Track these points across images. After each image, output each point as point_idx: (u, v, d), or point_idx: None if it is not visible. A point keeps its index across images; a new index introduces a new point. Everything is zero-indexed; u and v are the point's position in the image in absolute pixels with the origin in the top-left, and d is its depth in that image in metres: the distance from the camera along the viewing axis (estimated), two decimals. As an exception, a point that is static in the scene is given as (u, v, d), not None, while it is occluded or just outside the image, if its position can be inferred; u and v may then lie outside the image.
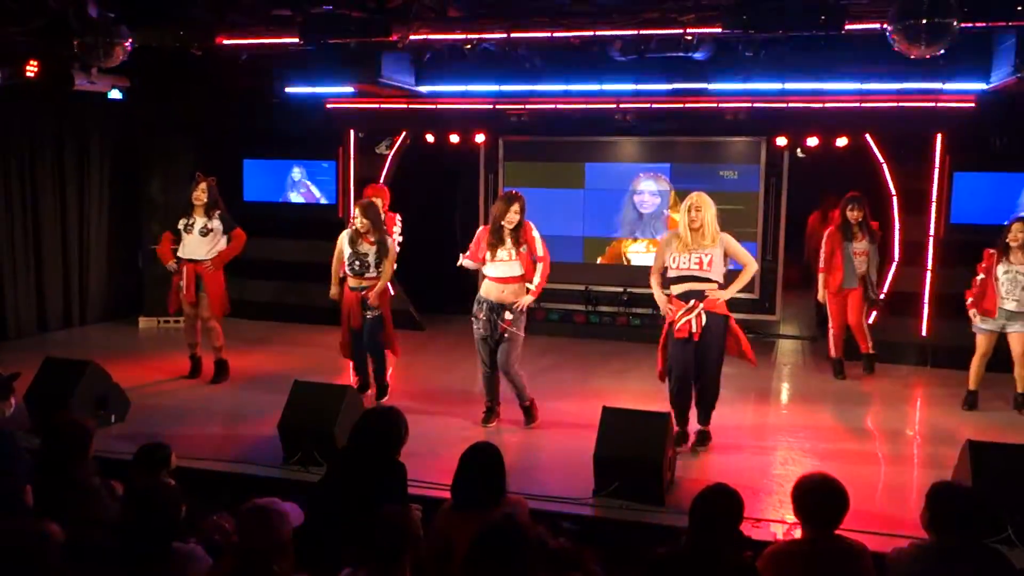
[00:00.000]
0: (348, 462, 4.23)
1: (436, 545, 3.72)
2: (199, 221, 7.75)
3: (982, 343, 7.17)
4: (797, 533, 3.88)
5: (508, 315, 6.46)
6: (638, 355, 8.73)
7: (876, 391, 8.00)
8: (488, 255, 6.51)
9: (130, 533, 3.34)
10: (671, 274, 6.10)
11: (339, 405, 5.84)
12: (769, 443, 6.51)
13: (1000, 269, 6.95)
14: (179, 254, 7.80)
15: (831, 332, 8.36)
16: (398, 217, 8.65)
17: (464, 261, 6.64)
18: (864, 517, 4.87)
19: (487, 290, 6.54)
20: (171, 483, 4.06)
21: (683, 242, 6.02)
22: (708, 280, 6.00)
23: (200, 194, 7.75)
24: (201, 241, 7.75)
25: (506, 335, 6.48)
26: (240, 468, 5.75)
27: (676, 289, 6.07)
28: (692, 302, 5.97)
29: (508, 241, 6.48)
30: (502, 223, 6.46)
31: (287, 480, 5.50)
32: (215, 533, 3.89)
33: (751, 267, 6.24)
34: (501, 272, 6.49)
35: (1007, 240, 6.94)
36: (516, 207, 6.44)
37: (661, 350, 6.23)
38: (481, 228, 6.74)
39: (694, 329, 5.95)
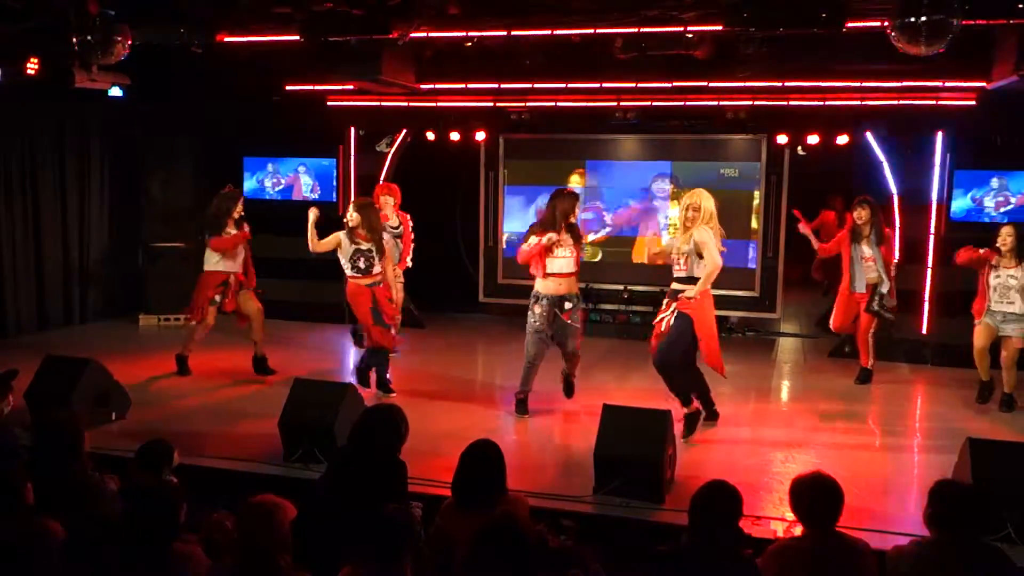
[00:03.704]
0: (349, 460, 4.23)
1: (436, 543, 3.73)
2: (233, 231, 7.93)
3: (979, 334, 7.17)
4: (797, 531, 3.88)
5: (568, 305, 6.77)
6: (638, 353, 8.72)
7: (876, 389, 7.99)
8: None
9: (130, 533, 3.34)
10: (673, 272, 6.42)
11: (339, 403, 5.84)
12: (769, 440, 6.51)
13: (991, 276, 7.03)
14: (221, 268, 7.88)
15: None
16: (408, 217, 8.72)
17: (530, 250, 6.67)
18: (864, 515, 4.88)
19: (545, 286, 6.74)
20: (173, 481, 4.07)
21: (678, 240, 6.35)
22: (688, 279, 6.25)
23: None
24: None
25: (570, 323, 6.81)
26: (241, 466, 5.75)
27: (673, 286, 6.41)
28: (667, 301, 6.42)
29: (569, 237, 6.71)
30: (571, 219, 6.74)
31: (288, 478, 5.50)
32: (215, 531, 3.89)
33: (709, 266, 6.17)
34: (561, 268, 6.71)
35: (997, 244, 7.00)
36: (578, 203, 6.88)
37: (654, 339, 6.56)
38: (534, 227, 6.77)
39: (663, 329, 6.36)
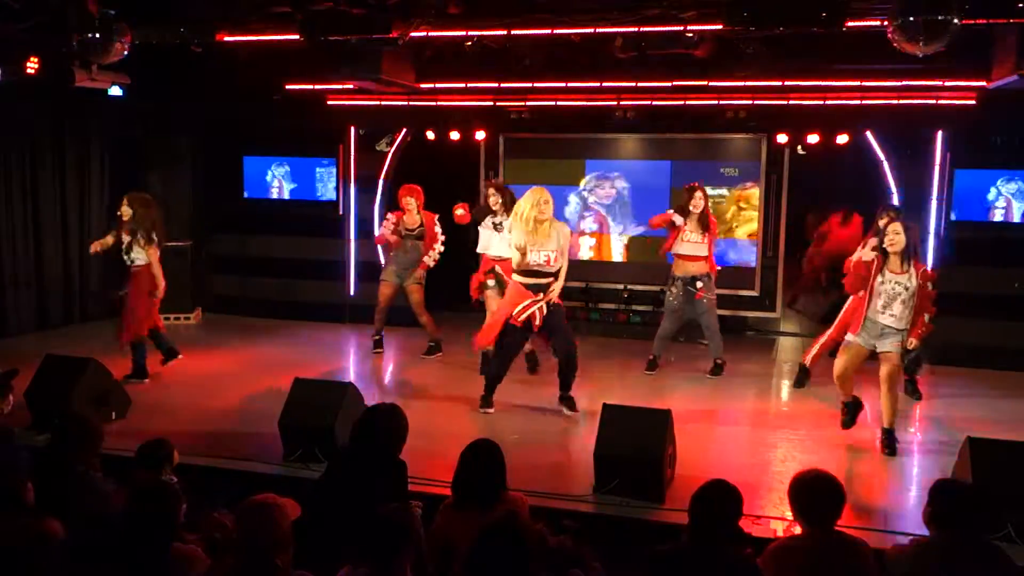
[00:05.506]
0: (349, 459, 4.23)
1: (436, 543, 3.73)
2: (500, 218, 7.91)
3: (846, 352, 6.19)
4: (797, 530, 3.89)
5: (699, 284, 7.83)
6: (638, 352, 8.72)
7: (876, 388, 7.97)
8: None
9: (130, 533, 3.34)
10: (523, 267, 6.61)
11: (339, 402, 5.85)
12: (769, 440, 6.51)
13: (877, 282, 5.93)
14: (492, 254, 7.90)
15: (827, 336, 7.48)
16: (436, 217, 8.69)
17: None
18: (864, 514, 4.88)
19: (677, 268, 7.93)
20: (173, 480, 4.07)
21: (531, 236, 6.49)
22: (552, 275, 6.63)
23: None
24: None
25: (704, 301, 7.86)
26: (240, 465, 5.76)
27: (527, 280, 6.63)
28: (540, 295, 6.60)
29: (697, 224, 7.81)
30: (691, 208, 7.80)
31: (288, 477, 5.50)
32: (215, 531, 3.89)
33: (566, 263, 6.68)
34: (689, 251, 7.82)
35: (884, 245, 5.90)
36: (699, 195, 7.85)
37: (497, 328, 6.85)
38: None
39: (537, 321, 6.60)
